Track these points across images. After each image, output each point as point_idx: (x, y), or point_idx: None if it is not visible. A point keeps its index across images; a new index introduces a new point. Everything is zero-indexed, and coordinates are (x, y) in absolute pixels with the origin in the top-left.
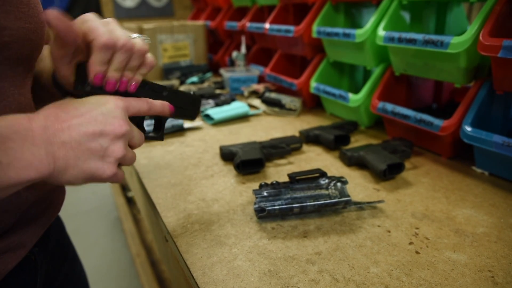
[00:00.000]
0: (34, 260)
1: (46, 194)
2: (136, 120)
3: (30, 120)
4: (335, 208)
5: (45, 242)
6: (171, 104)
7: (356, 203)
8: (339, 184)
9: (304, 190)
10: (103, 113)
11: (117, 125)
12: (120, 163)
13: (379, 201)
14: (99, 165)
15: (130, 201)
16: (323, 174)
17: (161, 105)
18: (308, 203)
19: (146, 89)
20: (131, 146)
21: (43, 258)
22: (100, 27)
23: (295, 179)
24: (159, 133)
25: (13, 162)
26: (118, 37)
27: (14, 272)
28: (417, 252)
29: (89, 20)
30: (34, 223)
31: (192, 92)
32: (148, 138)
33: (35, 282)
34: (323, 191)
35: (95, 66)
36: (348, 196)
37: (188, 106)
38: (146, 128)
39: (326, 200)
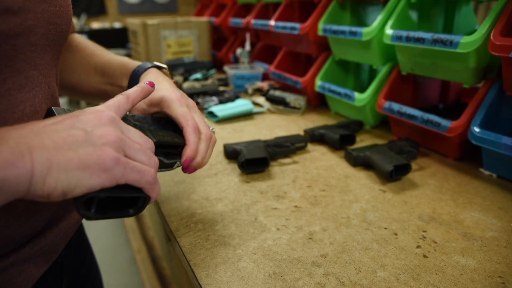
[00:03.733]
0: (61, 263)
1: None
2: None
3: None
4: None
5: (68, 245)
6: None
7: None
8: None
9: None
10: (75, 113)
11: (97, 114)
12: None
13: None
14: (90, 149)
15: None
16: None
17: (139, 89)
18: None
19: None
20: (132, 158)
21: (69, 262)
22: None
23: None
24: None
25: None
26: (202, 128)
27: (42, 276)
28: (425, 256)
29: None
30: (62, 226)
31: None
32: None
33: (60, 286)
34: None
35: (193, 145)
36: None
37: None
38: None
39: None
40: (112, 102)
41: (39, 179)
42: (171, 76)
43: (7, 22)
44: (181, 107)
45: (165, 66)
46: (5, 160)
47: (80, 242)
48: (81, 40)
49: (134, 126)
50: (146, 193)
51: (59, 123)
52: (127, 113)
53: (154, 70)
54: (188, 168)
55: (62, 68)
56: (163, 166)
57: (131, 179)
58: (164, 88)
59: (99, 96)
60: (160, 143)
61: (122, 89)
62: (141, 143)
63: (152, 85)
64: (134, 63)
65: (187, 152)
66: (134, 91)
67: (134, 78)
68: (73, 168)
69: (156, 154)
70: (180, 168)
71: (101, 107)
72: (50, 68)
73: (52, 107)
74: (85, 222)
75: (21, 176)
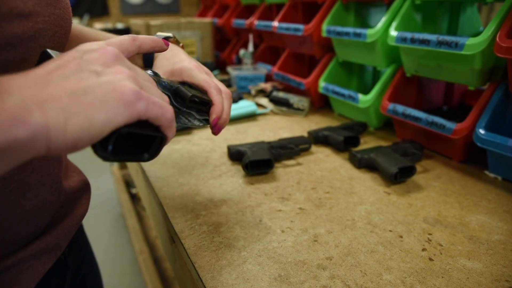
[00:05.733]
0: (64, 260)
1: (75, 192)
2: None
3: None
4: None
5: (70, 243)
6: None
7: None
8: None
9: None
10: (75, 53)
11: (102, 51)
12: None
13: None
14: (108, 87)
15: (134, 198)
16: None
17: (150, 38)
18: None
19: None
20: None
21: (71, 259)
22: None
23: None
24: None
25: None
26: (222, 88)
27: (47, 273)
28: (430, 259)
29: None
30: (66, 223)
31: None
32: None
33: (63, 283)
34: None
35: (220, 104)
36: None
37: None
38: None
39: None
40: (115, 40)
41: (58, 132)
42: (177, 41)
43: (21, 26)
44: (201, 74)
45: (171, 35)
46: (12, 117)
47: (80, 241)
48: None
49: (161, 81)
50: (163, 132)
51: (63, 67)
52: (156, 71)
53: (167, 42)
54: (216, 126)
55: None
56: (197, 122)
57: (153, 115)
58: (182, 59)
59: None
60: (194, 98)
61: (136, 64)
62: (150, 82)
63: (167, 44)
64: None
65: (216, 110)
66: (143, 37)
67: (147, 57)
68: (96, 112)
69: (189, 109)
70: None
71: (101, 43)
72: None
73: (47, 49)
74: (85, 221)
75: (35, 133)
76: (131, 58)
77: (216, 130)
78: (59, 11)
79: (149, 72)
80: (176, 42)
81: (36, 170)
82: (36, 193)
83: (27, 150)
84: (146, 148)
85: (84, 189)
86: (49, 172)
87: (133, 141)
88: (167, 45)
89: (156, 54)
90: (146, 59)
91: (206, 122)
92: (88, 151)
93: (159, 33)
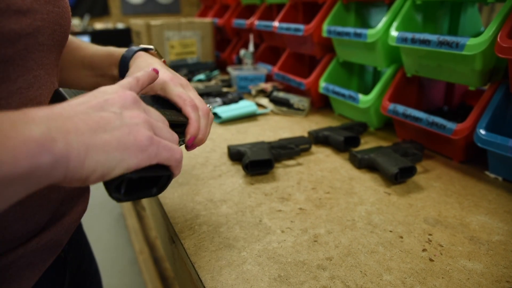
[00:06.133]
0: (63, 257)
1: (74, 189)
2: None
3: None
4: None
5: (70, 240)
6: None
7: None
8: None
9: None
10: (96, 93)
11: (121, 95)
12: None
13: None
14: (125, 130)
15: None
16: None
17: (146, 74)
18: None
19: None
20: (160, 137)
21: (70, 256)
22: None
23: None
24: None
25: (6, 141)
26: (199, 104)
27: (47, 270)
28: (431, 260)
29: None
30: (65, 221)
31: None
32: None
33: (63, 280)
34: None
35: (195, 123)
36: None
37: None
38: None
39: None
40: (124, 83)
41: (77, 163)
42: (159, 55)
43: (19, 22)
44: (176, 88)
45: (151, 47)
46: (39, 144)
47: (79, 238)
48: None
49: None
50: (172, 171)
51: (86, 104)
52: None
53: (142, 53)
54: (192, 146)
55: None
56: None
57: (163, 158)
58: None
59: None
60: (169, 122)
61: (114, 78)
62: (162, 121)
63: (156, 72)
64: (120, 51)
65: (191, 130)
66: (142, 75)
67: (123, 65)
68: (112, 150)
69: None
70: (183, 170)
71: (116, 86)
72: (53, 68)
73: (60, 89)
74: (85, 221)
75: (57, 162)
76: (106, 68)
77: (191, 149)
78: (58, 10)
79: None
80: (157, 56)
81: None
82: (38, 190)
83: (46, 176)
84: (155, 182)
85: (83, 186)
86: None
87: (142, 179)
88: (157, 73)
89: (130, 65)
90: (122, 70)
91: (182, 142)
92: None
93: (141, 46)
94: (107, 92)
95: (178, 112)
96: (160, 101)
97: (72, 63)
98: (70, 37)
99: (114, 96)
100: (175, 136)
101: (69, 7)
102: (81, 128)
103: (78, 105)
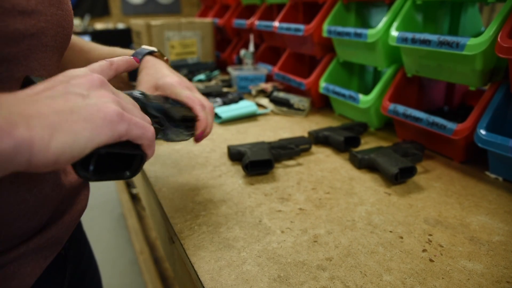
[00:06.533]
0: (64, 255)
1: (74, 187)
2: None
3: None
4: None
5: (70, 238)
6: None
7: None
8: None
9: None
10: (62, 78)
11: (88, 78)
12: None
13: None
14: (93, 108)
15: (134, 198)
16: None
17: (124, 59)
18: None
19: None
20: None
21: (71, 254)
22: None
23: None
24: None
25: None
26: (205, 103)
27: (48, 267)
28: (431, 260)
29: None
30: (66, 219)
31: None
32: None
33: (63, 277)
34: None
35: (204, 120)
36: None
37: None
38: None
39: None
40: (95, 66)
41: (41, 147)
42: (162, 55)
43: (23, 23)
44: (184, 91)
45: (155, 49)
46: None
47: (79, 236)
48: None
49: (151, 103)
50: (143, 150)
51: (51, 89)
52: (144, 91)
53: (149, 57)
54: (201, 138)
55: None
56: (184, 137)
57: (134, 135)
58: (165, 75)
59: None
60: (184, 118)
61: (122, 79)
62: (133, 104)
63: (137, 61)
64: (128, 53)
65: (201, 126)
66: (118, 59)
67: (132, 70)
68: (80, 129)
69: (178, 127)
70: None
71: (85, 70)
72: (55, 69)
73: (29, 75)
74: (85, 221)
75: (19, 146)
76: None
77: (199, 141)
78: (61, 12)
79: (138, 92)
80: (161, 57)
81: None
82: (41, 188)
83: (8, 162)
84: (128, 165)
85: (83, 185)
86: None
87: (113, 160)
88: (138, 62)
89: (139, 69)
90: (131, 73)
91: (192, 135)
92: None
93: (144, 47)
94: (73, 76)
95: (189, 109)
96: (170, 100)
97: (78, 65)
98: (76, 38)
99: (81, 79)
100: (146, 118)
101: (72, 10)
102: (45, 112)
103: (44, 90)
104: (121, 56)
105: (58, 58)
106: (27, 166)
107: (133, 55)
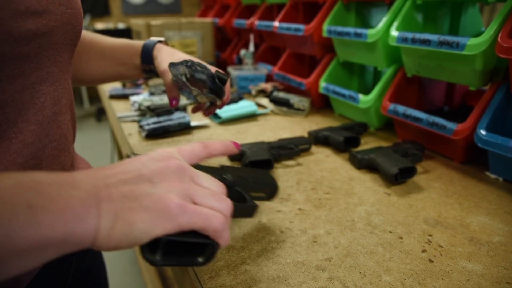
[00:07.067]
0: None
1: None
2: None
3: (70, 173)
4: None
5: None
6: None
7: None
8: None
9: None
10: (144, 159)
11: (166, 163)
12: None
13: None
14: (154, 198)
15: None
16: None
17: (222, 144)
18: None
19: None
20: (200, 204)
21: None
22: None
23: None
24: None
25: (48, 205)
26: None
27: (50, 264)
28: (430, 261)
29: None
30: None
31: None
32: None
33: (69, 268)
34: None
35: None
36: None
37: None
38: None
39: None
40: (186, 147)
41: (104, 234)
42: (167, 44)
43: (35, 23)
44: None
45: (163, 38)
46: (75, 213)
47: None
48: None
49: (203, 72)
50: (214, 240)
51: (126, 173)
52: (194, 62)
53: (161, 45)
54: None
55: None
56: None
57: (197, 226)
58: (182, 57)
59: (113, 78)
60: (217, 76)
61: (135, 66)
62: (211, 188)
63: (238, 146)
64: (139, 43)
65: (227, 93)
66: (215, 143)
67: (146, 55)
68: (137, 220)
69: (218, 88)
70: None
71: (173, 151)
72: (67, 65)
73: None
74: None
75: (88, 230)
76: (127, 58)
77: (221, 108)
78: (71, 11)
79: (186, 60)
80: (167, 45)
81: (48, 158)
82: None
83: (76, 243)
84: (202, 251)
85: None
86: (60, 160)
87: (186, 246)
88: (239, 148)
89: (154, 55)
90: (144, 57)
91: (220, 100)
92: (89, 148)
93: (152, 38)
94: (154, 158)
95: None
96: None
97: (91, 55)
98: (86, 32)
99: (158, 164)
100: (224, 203)
101: (81, 8)
102: (114, 197)
103: (119, 173)
104: (221, 141)
105: (70, 54)
106: (90, 247)
107: (147, 42)
